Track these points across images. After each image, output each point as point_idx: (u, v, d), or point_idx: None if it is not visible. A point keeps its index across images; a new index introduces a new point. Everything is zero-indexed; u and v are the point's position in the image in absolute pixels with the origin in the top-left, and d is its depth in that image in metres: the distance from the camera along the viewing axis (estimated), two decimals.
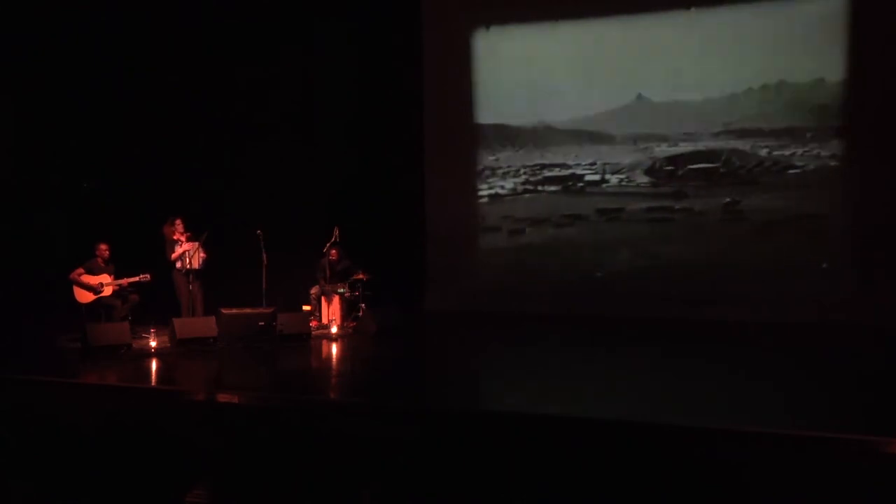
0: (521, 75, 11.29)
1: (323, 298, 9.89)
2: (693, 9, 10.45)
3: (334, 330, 9.35)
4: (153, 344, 8.26)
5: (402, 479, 4.31)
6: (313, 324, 9.47)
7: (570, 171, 11.25)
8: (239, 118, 11.24)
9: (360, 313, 9.75)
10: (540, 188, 11.43)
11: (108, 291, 9.02)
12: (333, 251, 9.97)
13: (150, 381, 7.14)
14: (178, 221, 9.31)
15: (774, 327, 9.36)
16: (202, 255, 9.29)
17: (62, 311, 9.21)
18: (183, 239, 9.25)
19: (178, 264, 9.23)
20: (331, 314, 9.76)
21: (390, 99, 11.66)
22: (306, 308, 9.91)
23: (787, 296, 9.82)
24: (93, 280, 8.98)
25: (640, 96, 10.76)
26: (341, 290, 9.84)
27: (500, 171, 11.62)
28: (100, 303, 8.99)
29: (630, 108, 10.84)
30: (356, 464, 4.55)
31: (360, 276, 9.87)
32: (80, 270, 8.99)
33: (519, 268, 11.45)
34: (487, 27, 11.58)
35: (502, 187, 11.59)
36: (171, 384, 7.12)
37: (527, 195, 11.48)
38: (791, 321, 9.50)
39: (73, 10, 11.08)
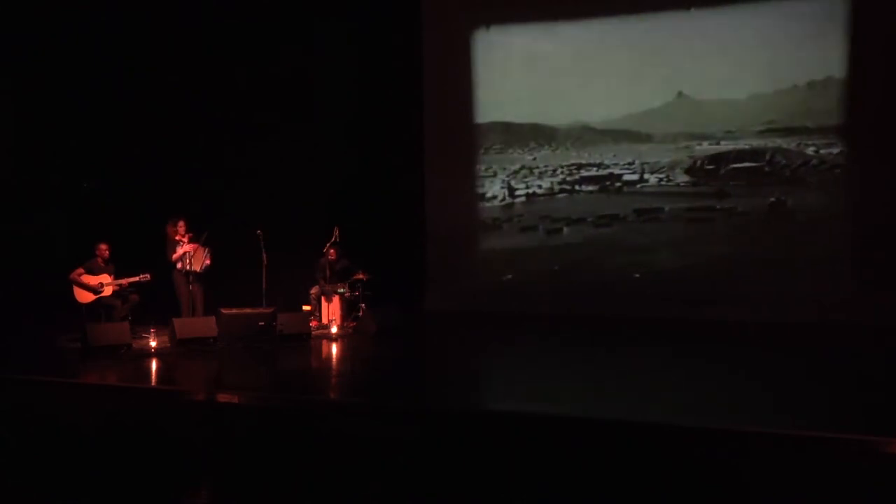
0: (556, 74, 11.11)
1: (323, 298, 9.89)
2: (693, 9, 10.43)
3: (334, 330, 9.35)
4: (153, 344, 8.26)
5: (402, 479, 4.31)
6: (313, 324, 9.46)
7: (607, 171, 11.12)
8: (239, 118, 11.23)
9: (360, 313, 9.75)
10: (577, 188, 11.30)
11: (108, 291, 9.01)
12: (332, 251, 9.96)
13: (150, 381, 7.14)
14: (180, 223, 9.28)
15: (774, 327, 9.36)
16: (207, 261, 9.26)
17: (62, 311, 9.20)
18: (185, 240, 9.24)
19: (179, 265, 9.22)
20: (331, 314, 9.76)
21: (390, 99, 11.66)
22: (306, 308, 9.91)
23: (787, 296, 9.81)
24: (93, 280, 8.98)
25: (680, 94, 10.60)
26: (341, 290, 9.84)
27: (536, 171, 11.47)
28: (100, 303, 8.99)
29: (670, 106, 10.68)
30: (356, 464, 4.55)
31: (360, 276, 9.87)
32: (80, 270, 8.98)
33: (519, 267, 11.44)
34: (487, 27, 11.58)
35: (539, 186, 11.46)
36: (171, 384, 7.12)
37: (563, 195, 11.36)
38: (791, 321, 9.50)
39: (73, 10, 11.08)
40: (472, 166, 11.78)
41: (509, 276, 11.46)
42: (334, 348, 8.83)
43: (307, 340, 8.85)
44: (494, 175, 11.69)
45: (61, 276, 9.02)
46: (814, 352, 8.20)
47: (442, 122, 11.68)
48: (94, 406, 6.39)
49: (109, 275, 9.06)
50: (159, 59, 11.41)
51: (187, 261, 9.16)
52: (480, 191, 11.77)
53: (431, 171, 11.72)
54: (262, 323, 8.66)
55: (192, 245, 9.21)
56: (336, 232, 9.86)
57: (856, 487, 4.39)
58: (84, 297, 8.97)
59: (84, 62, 11.25)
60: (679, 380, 6.82)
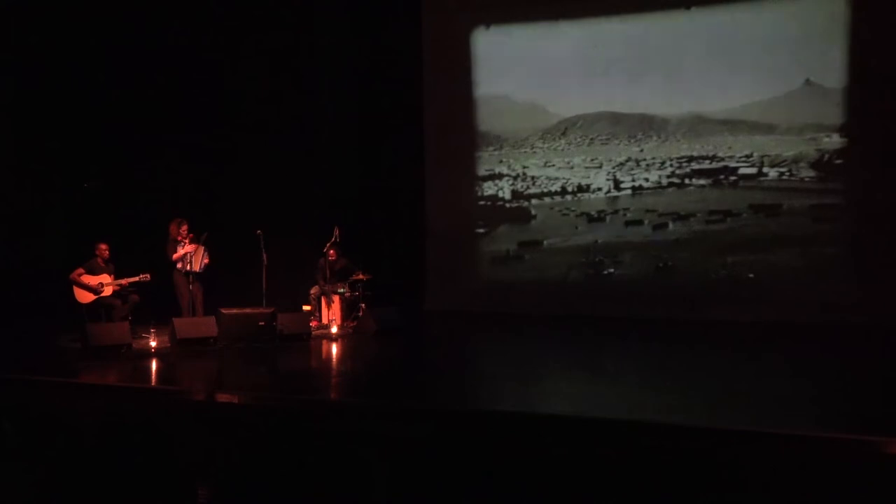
0: (658, 57, 10.57)
1: (323, 298, 9.89)
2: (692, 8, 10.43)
3: (334, 330, 9.35)
4: (153, 344, 8.26)
5: (402, 478, 4.30)
6: (313, 324, 9.46)
7: (721, 164, 10.44)
8: (239, 118, 11.23)
9: (360, 313, 9.75)
10: (687, 181, 10.65)
11: (108, 291, 9.01)
12: (332, 251, 9.97)
13: (150, 381, 7.14)
14: (184, 226, 9.27)
15: (774, 327, 9.35)
16: (206, 260, 9.27)
17: (62, 311, 9.20)
18: (186, 241, 9.23)
19: (179, 265, 9.22)
20: (331, 314, 9.76)
21: (390, 99, 11.66)
22: (306, 308, 9.91)
23: (787, 296, 9.81)
24: (93, 280, 8.98)
25: (808, 81, 9.86)
26: (341, 290, 9.84)
27: (643, 163, 10.82)
28: (100, 303, 8.99)
29: (795, 94, 9.94)
30: (356, 464, 4.55)
31: (360, 276, 9.87)
32: (80, 270, 8.98)
33: (519, 266, 11.44)
34: (487, 26, 11.58)
35: (646, 179, 10.81)
36: (171, 384, 7.12)
37: (671, 188, 10.71)
38: (791, 321, 9.50)
39: (73, 10, 11.08)
40: (472, 166, 11.77)
41: (611, 270, 10.99)
42: (334, 348, 8.83)
43: (307, 340, 8.85)
44: (600, 166, 11.14)
45: (61, 276, 9.02)
46: (814, 352, 8.21)
47: (442, 122, 11.68)
48: (94, 406, 6.39)
49: (109, 275, 9.06)
50: (159, 59, 11.41)
51: (188, 261, 9.16)
52: (488, 189, 11.75)
53: (431, 171, 11.72)
54: (262, 323, 8.66)
55: (192, 246, 9.21)
56: (336, 232, 9.86)
57: (856, 487, 4.39)
58: (84, 297, 8.97)
59: (84, 62, 11.25)
60: (679, 380, 6.81)
